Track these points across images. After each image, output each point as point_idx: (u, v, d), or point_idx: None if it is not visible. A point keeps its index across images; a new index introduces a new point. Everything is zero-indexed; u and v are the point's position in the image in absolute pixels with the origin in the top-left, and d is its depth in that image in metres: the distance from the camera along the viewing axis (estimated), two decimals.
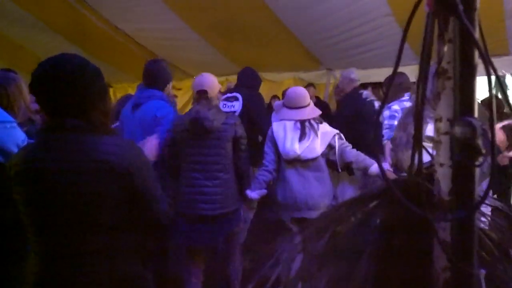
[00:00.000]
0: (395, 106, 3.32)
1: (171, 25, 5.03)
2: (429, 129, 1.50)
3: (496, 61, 0.62)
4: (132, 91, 4.82)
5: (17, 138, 2.04)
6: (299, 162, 2.91)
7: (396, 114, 3.26)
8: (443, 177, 0.68)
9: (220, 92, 2.98)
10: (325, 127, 2.99)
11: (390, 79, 0.73)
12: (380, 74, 4.33)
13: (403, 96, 3.39)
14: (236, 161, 2.75)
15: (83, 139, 1.31)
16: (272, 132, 2.98)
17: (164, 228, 1.48)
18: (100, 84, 1.38)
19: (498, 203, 0.81)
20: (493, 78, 0.65)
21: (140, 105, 2.83)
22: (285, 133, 2.92)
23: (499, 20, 3.69)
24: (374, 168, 2.79)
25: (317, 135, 2.91)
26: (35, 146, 1.38)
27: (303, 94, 3.01)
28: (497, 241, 0.78)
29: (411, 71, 2.97)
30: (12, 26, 5.48)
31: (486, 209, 0.82)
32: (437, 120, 0.68)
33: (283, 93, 5.44)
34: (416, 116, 0.75)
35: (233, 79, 5.78)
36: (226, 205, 2.67)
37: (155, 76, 2.93)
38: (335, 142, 2.94)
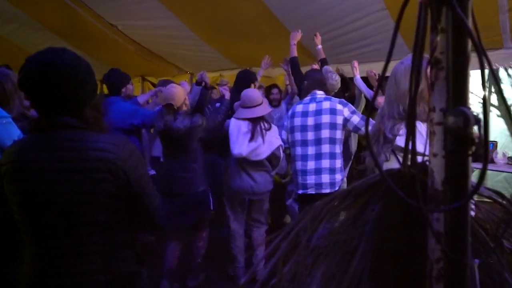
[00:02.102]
0: (299, 107, 3.18)
1: (165, 22, 5.01)
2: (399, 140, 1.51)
3: (490, 55, 0.62)
4: None
5: (13, 133, 2.03)
6: (245, 159, 3.37)
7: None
8: (437, 168, 0.68)
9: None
10: (271, 136, 3.38)
11: (382, 72, 0.72)
12: (375, 69, 4.33)
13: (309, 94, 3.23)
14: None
15: (77, 137, 1.28)
16: (229, 128, 3.38)
17: (160, 223, 1.47)
18: (92, 81, 1.35)
19: (491, 193, 0.81)
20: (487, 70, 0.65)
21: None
22: (238, 134, 3.32)
23: (493, 15, 3.71)
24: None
25: (264, 142, 3.32)
26: (26, 144, 1.34)
27: (255, 94, 3.47)
28: (491, 231, 0.79)
29: None
30: (5, 24, 5.44)
31: (477, 199, 0.82)
32: (430, 111, 0.68)
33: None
34: (410, 107, 0.75)
35: (227, 75, 5.77)
36: (196, 187, 3.26)
37: (108, 85, 3.42)
38: (279, 153, 3.40)
